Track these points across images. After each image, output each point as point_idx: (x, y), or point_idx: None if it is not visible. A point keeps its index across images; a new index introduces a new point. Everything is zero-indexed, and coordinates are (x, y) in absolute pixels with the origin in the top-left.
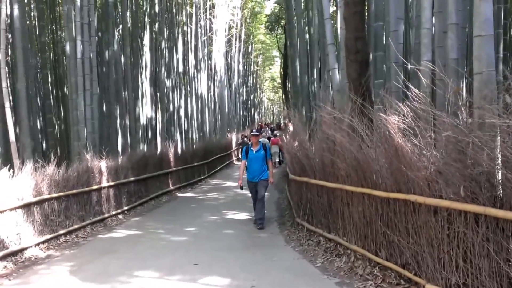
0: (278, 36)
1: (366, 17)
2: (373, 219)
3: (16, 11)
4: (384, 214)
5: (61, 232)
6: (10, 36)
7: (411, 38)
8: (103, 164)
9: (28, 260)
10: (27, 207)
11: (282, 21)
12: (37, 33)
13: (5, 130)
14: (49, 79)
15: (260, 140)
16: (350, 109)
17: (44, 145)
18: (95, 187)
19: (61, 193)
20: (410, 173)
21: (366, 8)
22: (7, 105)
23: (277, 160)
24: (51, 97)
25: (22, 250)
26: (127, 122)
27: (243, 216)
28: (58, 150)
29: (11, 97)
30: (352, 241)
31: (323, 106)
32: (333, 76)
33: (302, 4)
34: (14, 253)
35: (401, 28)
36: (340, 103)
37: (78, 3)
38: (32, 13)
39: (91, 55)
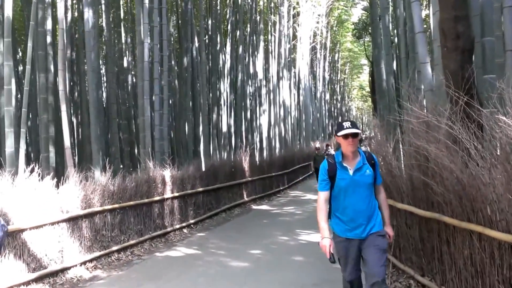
0: (366, 44)
1: None
2: (487, 270)
3: (89, 13)
4: (505, 265)
5: (114, 248)
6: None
7: None
8: (167, 174)
9: (69, 282)
10: (73, 220)
11: (370, 27)
12: (114, 40)
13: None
14: (126, 85)
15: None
16: (448, 112)
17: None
18: (156, 198)
19: (116, 205)
20: None
21: None
22: (63, 108)
23: None
24: (127, 104)
25: (64, 270)
26: (203, 129)
27: (318, 237)
28: (124, 157)
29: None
30: None
31: (411, 110)
32: (424, 72)
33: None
34: (53, 274)
35: None
36: (433, 106)
37: (147, 5)
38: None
39: (163, 57)
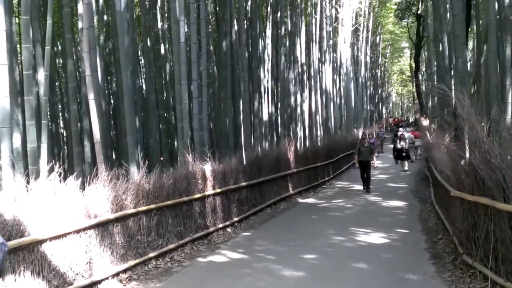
0: (409, 25)
1: None
2: None
3: None
4: None
5: (151, 255)
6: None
7: None
8: (208, 168)
9: None
10: (102, 226)
11: (413, 8)
12: (149, 24)
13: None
14: (165, 72)
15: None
16: None
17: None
18: (197, 195)
19: (152, 206)
20: None
21: None
22: (91, 96)
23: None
24: (164, 93)
25: (93, 285)
26: (244, 118)
27: (379, 238)
28: (163, 150)
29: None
30: None
31: None
32: None
33: None
34: None
35: None
36: None
37: None
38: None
39: (201, 40)
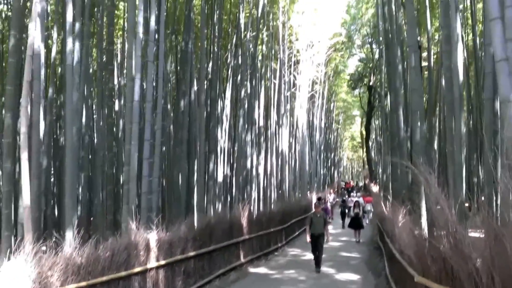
0: (361, 95)
1: None
2: None
3: (73, 45)
4: None
5: None
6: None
7: None
8: (153, 237)
9: None
10: None
11: (365, 79)
12: (105, 79)
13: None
14: (117, 129)
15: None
16: None
17: (95, 205)
18: (137, 269)
19: (82, 283)
20: None
21: None
22: (24, 156)
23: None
24: (115, 150)
25: None
26: (198, 178)
27: None
28: (108, 213)
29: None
30: None
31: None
32: (509, 112)
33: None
34: None
35: None
36: None
37: (141, 35)
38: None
39: (158, 98)
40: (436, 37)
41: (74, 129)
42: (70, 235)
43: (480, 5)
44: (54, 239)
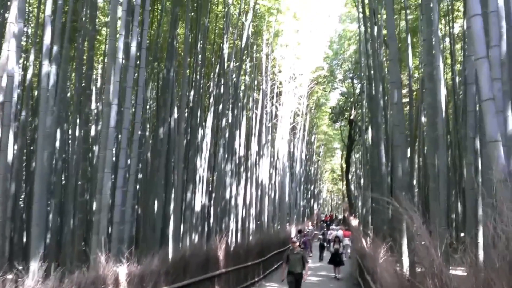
0: (341, 128)
1: None
2: None
3: (50, 68)
4: None
5: None
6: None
7: None
8: (123, 271)
9: None
10: None
11: (346, 113)
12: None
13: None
14: (92, 156)
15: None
16: None
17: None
18: None
19: None
20: None
21: None
22: None
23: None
24: (89, 177)
25: None
26: (174, 208)
27: None
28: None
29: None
30: None
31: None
32: (496, 153)
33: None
34: None
35: None
36: None
37: (120, 60)
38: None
39: (135, 125)
40: (416, 74)
41: (45, 154)
42: (35, 266)
43: (458, 46)
44: (15, 271)
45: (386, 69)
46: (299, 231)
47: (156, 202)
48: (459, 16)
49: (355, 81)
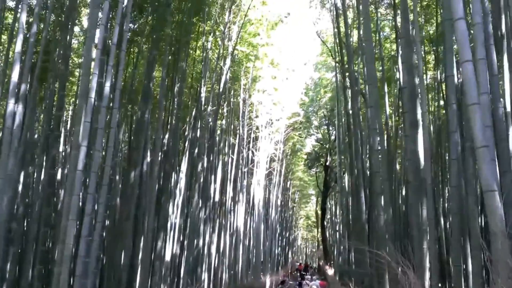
0: (317, 174)
1: None
2: None
3: (16, 108)
4: None
5: None
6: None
7: None
8: None
9: None
10: None
11: (322, 159)
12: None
13: None
14: (57, 201)
15: None
16: None
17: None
18: None
19: None
20: None
21: None
22: None
23: None
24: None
25: None
26: (143, 258)
27: None
28: None
29: None
30: None
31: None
32: (494, 203)
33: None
34: None
35: None
36: None
37: (92, 100)
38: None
39: (105, 169)
40: (390, 122)
41: (5, 198)
42: None
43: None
44: None
45: (361, 117)
46: (282, 282)
47: (123, 252)
48: (430, 68)
49: (330, 127)
